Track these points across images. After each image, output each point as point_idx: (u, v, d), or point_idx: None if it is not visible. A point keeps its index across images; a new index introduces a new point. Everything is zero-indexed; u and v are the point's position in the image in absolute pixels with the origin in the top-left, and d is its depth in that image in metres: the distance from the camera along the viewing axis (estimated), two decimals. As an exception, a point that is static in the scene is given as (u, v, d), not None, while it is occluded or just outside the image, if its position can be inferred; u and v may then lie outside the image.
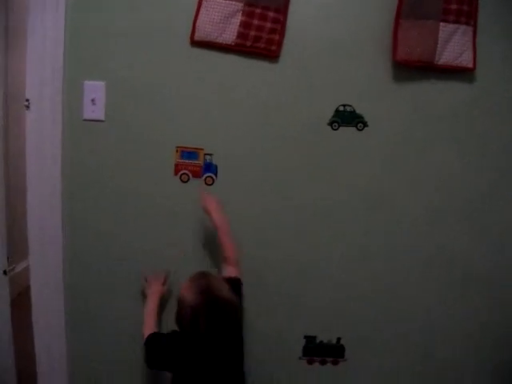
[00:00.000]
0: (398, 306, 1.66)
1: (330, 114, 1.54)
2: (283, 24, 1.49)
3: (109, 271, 1.60)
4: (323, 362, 1.67)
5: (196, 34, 1.48)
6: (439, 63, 1.52)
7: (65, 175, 1.54)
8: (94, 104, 1.52)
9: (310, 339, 1.65)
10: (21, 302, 1.84)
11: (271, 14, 1.48)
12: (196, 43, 1.49)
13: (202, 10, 1.46)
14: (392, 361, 1.69)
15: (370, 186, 1.59)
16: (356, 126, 1.55)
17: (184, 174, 1.54)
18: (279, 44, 1.49)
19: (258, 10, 1.47)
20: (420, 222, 1.62)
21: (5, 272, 1.57)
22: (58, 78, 1.50)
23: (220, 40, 1.48)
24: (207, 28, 1.47)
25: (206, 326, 1.19)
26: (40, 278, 1.63)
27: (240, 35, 1.48)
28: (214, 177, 1.54)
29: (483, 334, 1.70)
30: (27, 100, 1.52)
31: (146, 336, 1.35)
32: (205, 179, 1.54)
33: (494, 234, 1.65)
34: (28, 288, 1.56)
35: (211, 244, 1.57)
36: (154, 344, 1.33)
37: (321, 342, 1.65)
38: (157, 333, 1.37)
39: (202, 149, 1.53)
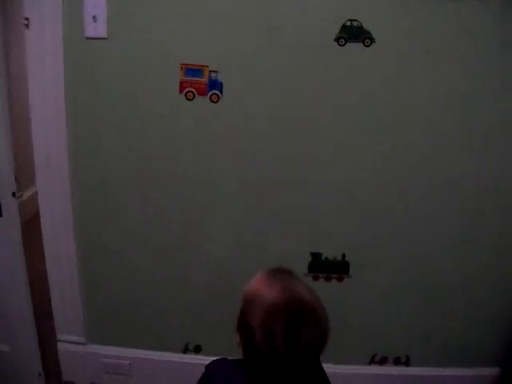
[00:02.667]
0: (404, 222, 1.68)
1: (336, 29, 1.50)
2: None
3: (115, 194, 1.63)
4: (328, 279, 1.72)
5: None
6: (450, -26, 1.47)
7: (68, 96, 1.53)
8: (95, 21, 1.49)
9: (315, 256, 1.69)
10: (28, 230, 1.86)
11: None
12: (199, -47, 1.44)
13: None
14: (396, 278, 1.74)
15: (375, 102, 1.57)
16: (363, 42, 1.51)
17: (189, 91, 1.52)
18: (285, -46, 1.45)
19: None
20: (427, 143, 1.61)
21: (13, 194, 1.58)
22: (58, -6, 1.45)
23: (223, -50, 1.43)
24: None
25: (286, 336, 0.80)
26: (48, 206, 1.65)
27: None
28: (220, 94, 1.53)
29: (491, 262, 1.74)
30: (26, 18, 1.47)
31: None
32: (210, 97, 1.53)
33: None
34: (35, 217, 1.55)
35: (217, 160, 1.59)
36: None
37: (326, 258, 1.69)
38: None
39: (206, 66, 1.51)
